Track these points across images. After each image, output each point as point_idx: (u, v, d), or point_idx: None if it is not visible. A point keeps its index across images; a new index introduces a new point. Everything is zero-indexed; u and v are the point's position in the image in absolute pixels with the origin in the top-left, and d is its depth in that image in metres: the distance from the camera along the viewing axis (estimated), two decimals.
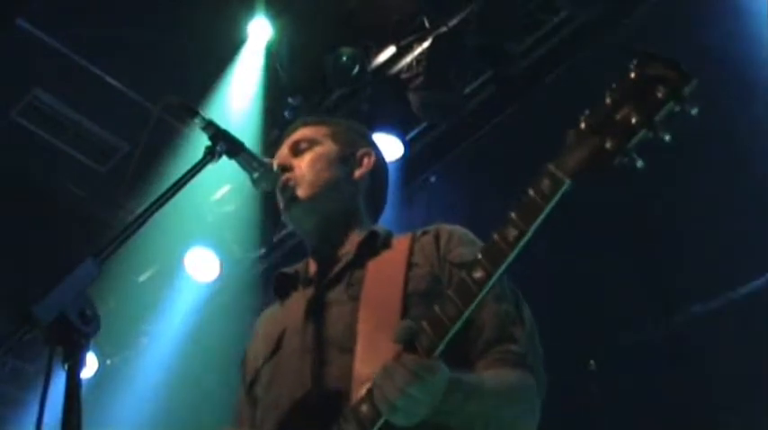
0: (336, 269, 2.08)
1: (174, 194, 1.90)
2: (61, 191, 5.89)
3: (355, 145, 2.29)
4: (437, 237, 2.05)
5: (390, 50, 4.95)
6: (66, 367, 1.54)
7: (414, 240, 2.07)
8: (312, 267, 2.17)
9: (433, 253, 2.02)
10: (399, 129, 4.98)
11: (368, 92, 5.00)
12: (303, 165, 2.19)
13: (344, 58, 4.88)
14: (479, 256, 1.63)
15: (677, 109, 1.48)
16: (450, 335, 1.65)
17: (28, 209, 5.77)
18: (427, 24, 4.82)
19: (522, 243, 1.59)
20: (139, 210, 1.84)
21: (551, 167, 1.57)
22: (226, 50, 5.21)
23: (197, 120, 2.02)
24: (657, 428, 4.51)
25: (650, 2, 4.43)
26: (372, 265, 2.04)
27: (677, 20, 4.44)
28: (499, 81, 4.90)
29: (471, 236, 2.07)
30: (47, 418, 1.53)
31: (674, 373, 4.50)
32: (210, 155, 2.01)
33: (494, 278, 1.62)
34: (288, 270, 2.22)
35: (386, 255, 2.06)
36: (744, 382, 4.20)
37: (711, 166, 4.37)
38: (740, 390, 4.22)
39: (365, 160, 2.26)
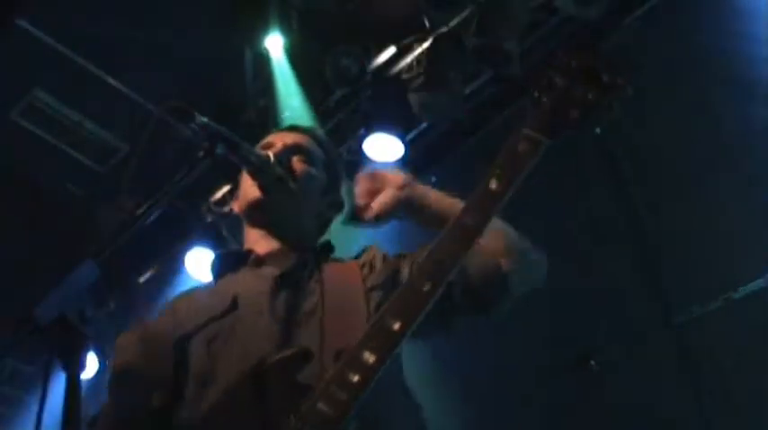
0: (301, 258, 2.16)
1: (173, 195, 1.91)
2: (61, 191, 5.88)
3: (335, 188, 2.42)
4: (384, 256, 2.18)
5: (390, 51, 4.95)
6: (65, 368, 1.54)
7: (358, 258, 2.20)
8: (260, 248, 2.22)
9: (384, 256, 2.16)
10: (399, 130, 4.98)
11: (368, 92, 5.00)
12: (299, 172, 2.25)
13: (344, 59, 4.88)
14: (467, 204, 1.82)
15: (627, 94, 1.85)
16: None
17: (28, 209, 5.76)
18: (427, 24, 4.81)
19: (505, 197, 1.80)
20: (140, 211, 1.85)
21: (526, 131, 1.84)
22: (226, 51, 5.21)
23: (194, 122, 2.02)
24: (657, 428, 4.51)
25: (650, 2, 4.43)
26: (327, 268, 2.14)
27: (676, 20, 4.44)
28: (499, 81, 4.90)
29: None
30: (47, 419, 1.53)
31: (675, 373, 4.50)
32: (209, 155, 2.02)
33: (486, 224, 1.79)
34: (232, 250, 2.33)
35: (337, 264, 2.19)
36: (744, 382, 4.20)
37: (712, 166, 4.37)
38: (740, 390, 4.21)
39: (334, 210, 2.39)
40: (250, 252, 2.22)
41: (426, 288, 1.72)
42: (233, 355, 1.93)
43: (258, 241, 2.24)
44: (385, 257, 2.17)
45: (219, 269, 2.25)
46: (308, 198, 2.27)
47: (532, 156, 1.83)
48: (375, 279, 2.08)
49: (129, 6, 5.06)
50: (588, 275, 4.67)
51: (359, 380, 1.65)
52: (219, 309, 2.03)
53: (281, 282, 2.07)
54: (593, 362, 4.58)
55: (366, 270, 2.12)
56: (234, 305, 2.03)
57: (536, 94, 1.89)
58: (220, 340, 1.97)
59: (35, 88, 5.47)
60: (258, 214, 2.25)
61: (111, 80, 5.41)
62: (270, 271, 2.12)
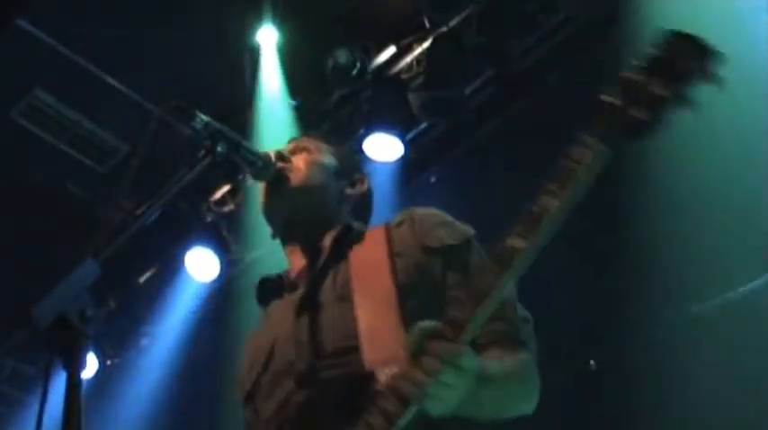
0: (317, 266, 2.08)
1: (173, 195, 1.91)
2: (61, 191, 5.89)
3: (352, 168, 2.35)
4: (412, 224, 2.04)
5: (390, 50, 4.95)
6: (66, 368, 1.54)
7: (389, 230, 2.06)
8: (293, 269, 2.16)
9: (410, 241, 2.01)
10: (399, 129, 4.98)
11: (368, 92, 5.00)
12: (300, 162, 2.22)
13: (344, 59, 4.88)
14: (515, 225, 1.57)
15: (704, 81, 1.59)
16: (481, 311, 1.59)
17: (28, 209, 5.77)
18: (427, 24, 4.82)
19: (562, 211, 1.55)
20: (140, 211, 1.85)
21: (586, 137, 1.57)
22: (226, 50, 5.21)
23: (195, 121, 2.02)
24: (657, 429, 4.51)
25: (649, 2, 4.43)
26: (354, 259, 2.04)
27: (676, 20, 4.44)
28: (499, 81, 4.91)
29: (446, 216, 2.08)
30: (47, 419, 1.53)
31: (675, 374, 4.50)
32: (210, 154, 2.02)
33: (534, 247, 1.55)
34: (271, 275, 2.22)
35: (366, 249, 2.06)
36: (743, 383, 4.20)
37: (711, 166, 4.37)
38: (740, 391, 4.21)
39: (359, 185, 2.31)
40: (282, 277, 2.19)
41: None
42: (268, 415, 1.94)
43: (290, 261, 2.20)
44: (417, 221, 2.04)
45: (260, 300, 2.22)
46: (319, 184, 2.21)
47: (588, 167, 1.54)
48: (399, 245, 2.00)
49: (128, 6, 5.06)
50: (587, 275, 4.67)
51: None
52: (262, 361, 2.02)
53: (302, 307, 2.00)
54: (592, 362, 4.58)
55: (398, 247, 2.01)
56: (270, 354, 2.01)
57: (603, 95, 1.58)
58: (263, 399, 1.99)
59: (35, 88, 5.47)
60: (274, 213, 2.21)
61: (111, 80, 5.41)
62: (297, 295, 2.06)
